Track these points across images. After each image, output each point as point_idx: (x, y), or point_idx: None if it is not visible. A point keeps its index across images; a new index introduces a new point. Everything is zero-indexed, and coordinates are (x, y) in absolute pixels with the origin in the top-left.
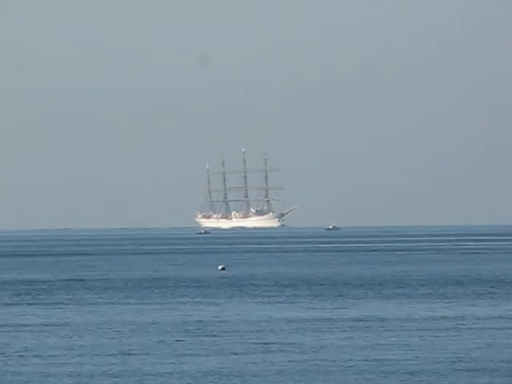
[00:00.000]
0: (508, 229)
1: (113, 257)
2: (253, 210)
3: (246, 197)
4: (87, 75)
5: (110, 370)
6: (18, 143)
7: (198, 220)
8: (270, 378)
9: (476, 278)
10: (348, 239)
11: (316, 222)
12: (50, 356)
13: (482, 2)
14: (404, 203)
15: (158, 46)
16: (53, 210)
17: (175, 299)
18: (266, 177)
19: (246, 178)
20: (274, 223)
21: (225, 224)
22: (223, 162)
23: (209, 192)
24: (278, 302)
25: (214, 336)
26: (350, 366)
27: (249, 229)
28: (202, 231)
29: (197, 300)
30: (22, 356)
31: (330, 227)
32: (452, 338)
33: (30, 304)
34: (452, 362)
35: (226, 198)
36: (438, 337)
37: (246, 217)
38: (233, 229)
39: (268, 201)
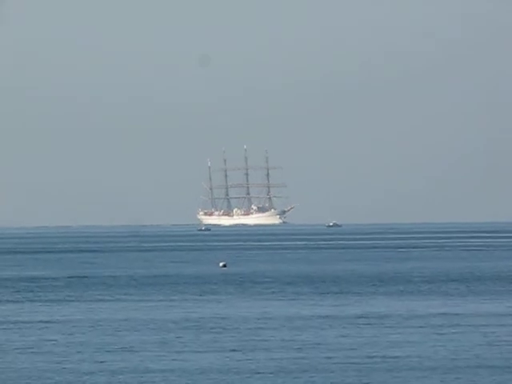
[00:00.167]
0: (509, 226)
1: (114, 254)
2: (254, 207)
3: (248, 194)
4: (87, 75)
5: (109, 367)
6: (17, 143)
7: (199, 217)
8: (270, 375)
9: (478, 274)
10: (348, 236)
11: (317, 219)
12: (49, 352)
13: (482, 2)
14: (404, 203)
15: (158, 46)
16: (53, 208)
17: (175, 296)
18: (268, 174)
19: (247, 175)
20: (276, 220)
21: (226, 221)
22: (225, 160)
23: (210, 189)
24: (279, 299)
25: (214, 333)
26: (350, 363)
27: (250, 226)
28: (203, 228)
29: (197, 297)
30: (21, 353)
31: (331, 224)
32: (454, 335)
33: (30, 301)
34: (453, 359)
35: (227, 195)
36: (439, 334)
37: (248, 214)
38: (234, 226)
39: (269, 198)
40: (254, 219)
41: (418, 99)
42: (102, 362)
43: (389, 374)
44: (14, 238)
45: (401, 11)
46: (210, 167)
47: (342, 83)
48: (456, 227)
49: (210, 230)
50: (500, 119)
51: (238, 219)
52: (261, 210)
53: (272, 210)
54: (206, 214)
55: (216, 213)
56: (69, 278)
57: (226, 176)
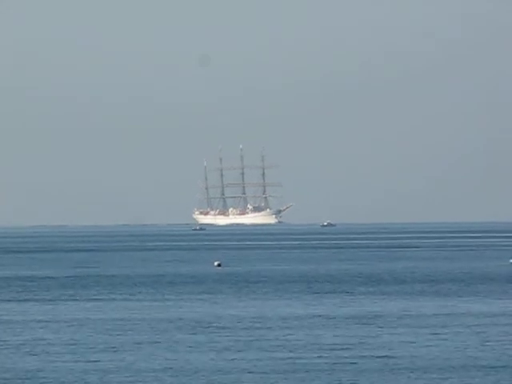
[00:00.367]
0: (508, 226)
1: (109, 253)
2: (250, 207)
3: (244, 193)
4: (87, 75)
5: (102, 366)
6: (18, 143)
7: (195, 216)
8: (264, 374)
9: (471, 274)
10: (342, 236)
11: (314, 219)
12: (44, 352)
13: (482, 2)
14: (404, 203)
15: (158, 46)
16: (53, 208)
17: (170, 296)
18: (264, 173)
19: (243, 174)
20: (272, 220)
21: (222, 220)
22: (221, 159)
23: (206, 188)
24: (274, 299)
25: (208, 332)
26: (343, 363)
27: (246, 225)
28: (198, 228)
29: (192, 296)
30: (17, 352)
31: (325, 224)
32: (447, 334)
33: (27, 300)
34: (446, 358)
35: (223, 194)
36: (432, 333)
37: (244, 213)
38: (230, 225)
39: (265, 197)
40: (250, 219)
41: (418, 99)
42: (95, 361)
43: (381, 373)
44: (14, 238)
45: (401, 11)
46: (205, 166)
47: (342, 83)
48: (453, 227)
49: (204, 229)
50: (500, 119)
51: (233, 219)
52: (256, 209)
53: (268, 210)
54: (201, 213)
55: (212, 212)
56: (64, 277)
57: (221, 175)
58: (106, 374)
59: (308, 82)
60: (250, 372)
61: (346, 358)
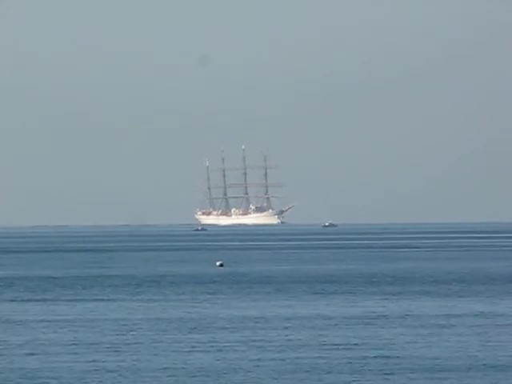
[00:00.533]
0: (508, 226)
1: (110, 253)
2: (252, 207)
3: (246, 194)
4: (87, 75)
5: (104, 366)
6: (18, 143)
7: (197, 217)
8: (264, 374)
9: (472, 275)
10: (343, 236)
11: (316, 219)
12: (44, 352)
13: (482, 2)
14: (404, 203)
15: (158, 46)
16: (53, 208)
17: (171, 296)
18: (266, 174)
19: (245, 174)
20: (274, 220)
21: (224, 221)
22: (223, 159)
23: (208, 189)
24: (275, 299)
25: (210, 333)
26: (346, 363)
27: (248, 226)
28: (199, 228)
29: (194, 297)
30: (17, 352)
31: (327, 224)
32: (448, 335)
33: (27, 300)
34: (447, 358)
35: (225, 194)
36: (433, 334)
37: (246, 214)
38: (232, 226)
39: (268, 198)
40: (252, 219)
41: (418, 99)
42: (95, 361)
43: (382, 374)
44: (13, 237)
45: (401, 11)
46: (208, 167)
47: (342, 83)
48: (453, 227)
49: (206, 230)
50: (500, 119)
51: (236, 219)
52: (259, 209)
53: (270, 210)
54: (204, 213)
55: (214, 212)
56: (65, 277)
57: (224, 176)
58: (106, 373)
59: (308, 81)
60: (250, 372)
61: (347, 358)
